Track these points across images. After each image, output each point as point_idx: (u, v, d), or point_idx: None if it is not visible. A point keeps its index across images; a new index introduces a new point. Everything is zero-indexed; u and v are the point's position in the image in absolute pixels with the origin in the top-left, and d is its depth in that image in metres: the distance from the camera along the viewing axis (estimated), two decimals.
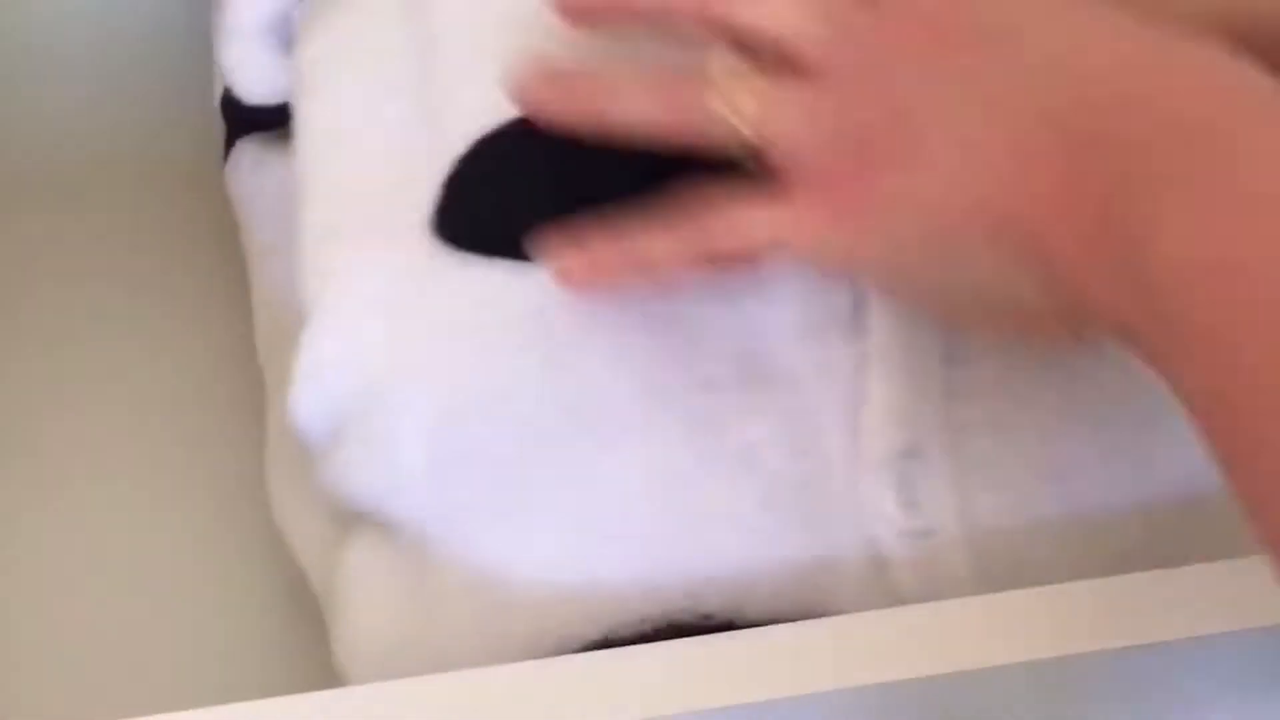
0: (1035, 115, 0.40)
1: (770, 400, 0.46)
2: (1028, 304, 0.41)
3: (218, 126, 0.57)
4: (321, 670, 0.49)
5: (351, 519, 0.48)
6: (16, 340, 0.63)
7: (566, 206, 0.46)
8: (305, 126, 0.50)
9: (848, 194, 0.42)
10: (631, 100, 0.45)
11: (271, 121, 0.54)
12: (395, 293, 0.47)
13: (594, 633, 0.45)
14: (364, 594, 0.48)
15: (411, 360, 0.46)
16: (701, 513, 0.46)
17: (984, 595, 0.41)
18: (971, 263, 0.41)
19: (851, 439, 0.46)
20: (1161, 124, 0.38)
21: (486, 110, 0.47)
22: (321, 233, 0.48)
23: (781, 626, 0.42)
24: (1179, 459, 0.47)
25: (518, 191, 0.47)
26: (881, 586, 0.46)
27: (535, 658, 0.42)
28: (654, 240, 0.44)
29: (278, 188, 0.54)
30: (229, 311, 0.60)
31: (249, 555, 0.57)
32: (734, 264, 0.45)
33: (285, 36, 0.52)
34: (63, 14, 0.64)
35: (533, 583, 0.45)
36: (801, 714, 0.41)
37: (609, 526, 0.45)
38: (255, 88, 0.53)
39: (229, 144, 0.57)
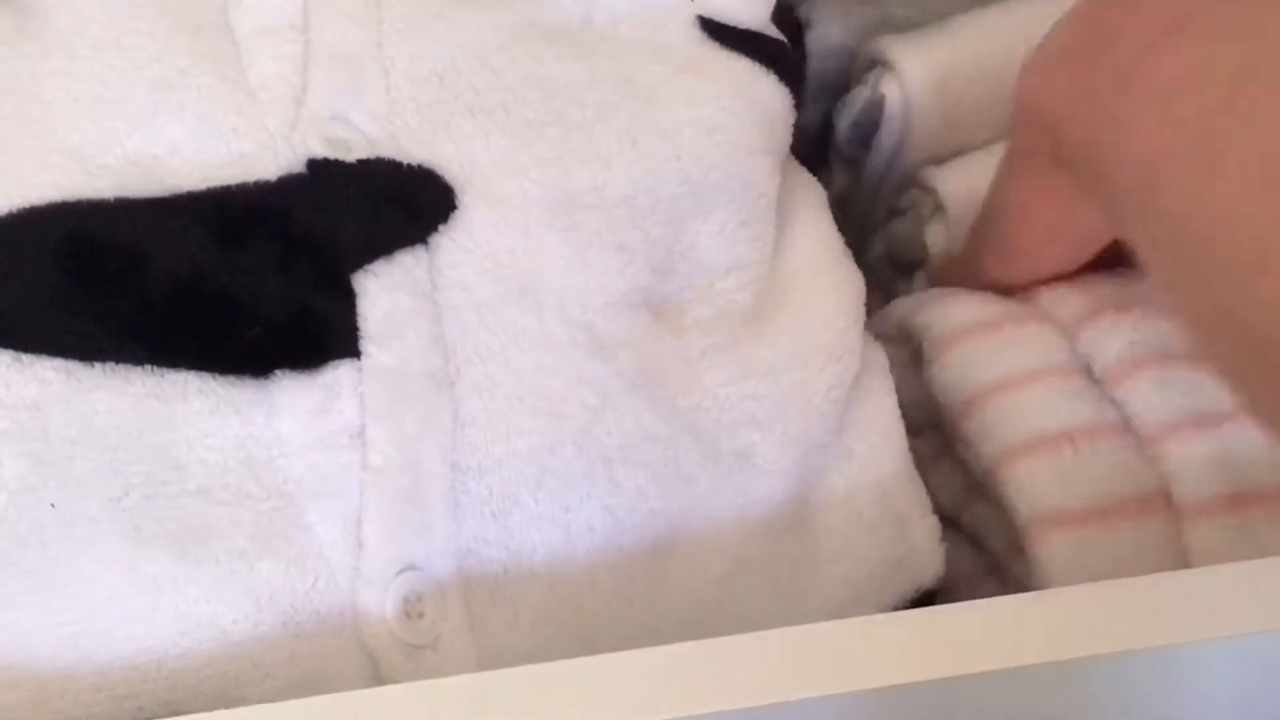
0: None
1: (269, 510, 0.45)
2: None
3: None
4: None
5: None
6: None
7: (71, 295, 0.45)
8: None
9: None
10: None
11: None
12: None
13: None
14: None
15: None
16: (185, 618, 0.44)
17: (979, 599, 0.41)
18: None
19: (353, 551, 0.46)
20: None
21: None
22: None
23: (782, 630, 0.42)
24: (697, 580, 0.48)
25: (20, 278, 0.46)
26: None
27: None
28: None
29: None
30: None
31: None
32: None
33: None
34: None
35: None
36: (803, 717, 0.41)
37: (82, 624, 0.44)
38: None
39: None
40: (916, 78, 0.59)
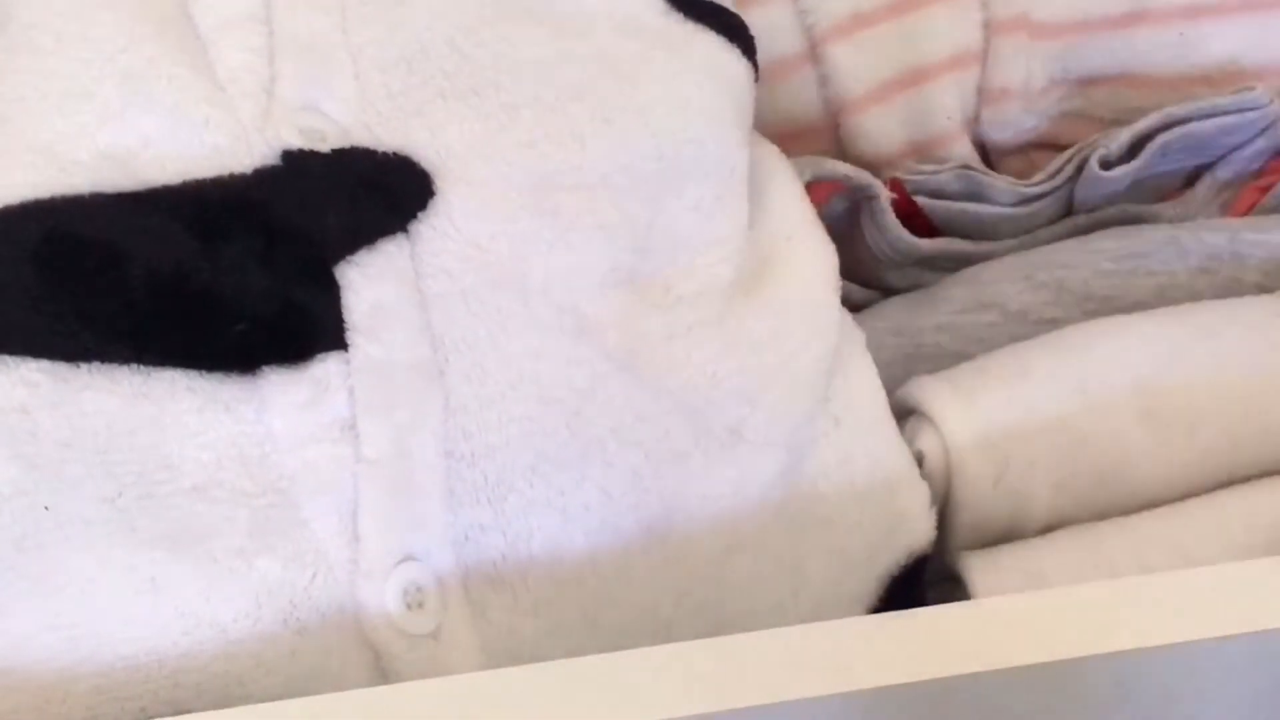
0: None
1: (265, 506, 0.45)
2: None
3: None
4: None
5: None
6: None
7: (53, 296, 0.45)
8: None
9: None
10: None
11: None
12: None
13: None
14: None
15: None
16: (185, 618, 0.44)
17: (975, 600, 0.42)
18: None
19: (350, 545, 0.45)
20: None
21: None
22: None
23: (782, 630, 0.42)
24: (695, 555, 0.48)
25: (2, 281, 0.45)
26: None
27: None
28: None
29: None
30: None
31: None
32: None
33: None
34: None
35: None
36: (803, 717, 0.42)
37: (81, 626, 0.44)
38: None
39: None
40: (959, 433, 0.52)
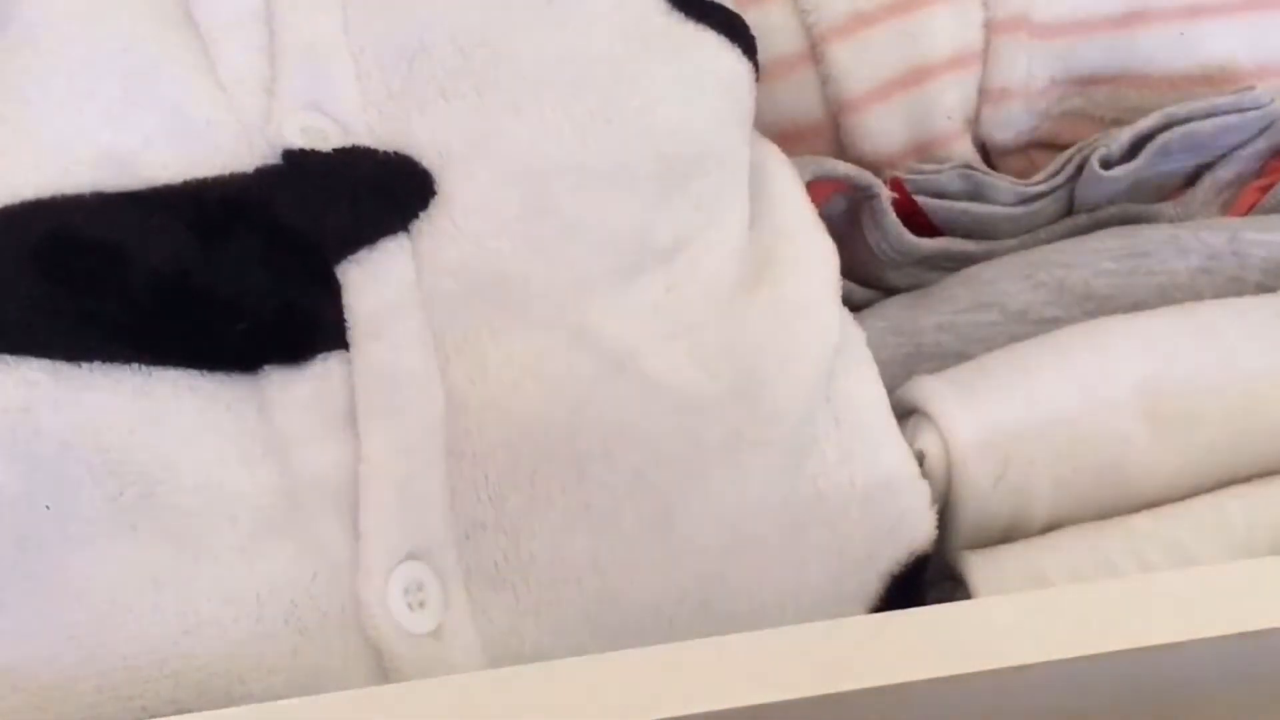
0: None
1: (266, 505, 0.45)
2: None
3: None
4: None
5: None
6: None
7: (54, 295, 0.45)
8: None
9: None
10: None
11: None
12: None
13: None
14: None
15: None
16: (186, 617, 0.44)
17: (975, 600, 0.42)
18: None
19: (351, 544, 0.46)
20: None
21: None
22: None
23: (781, 630, 0.42)
24: (697, 554, 0.48)
25: (3, 280, 0.45)
26: None
27: None
28: None
29: None
30: None
31: None
32: None
33: None
34: None
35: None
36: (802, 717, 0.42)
37: (83, 625, 0.44)
38: None
39: None
40: (960, 432, 0.52)
